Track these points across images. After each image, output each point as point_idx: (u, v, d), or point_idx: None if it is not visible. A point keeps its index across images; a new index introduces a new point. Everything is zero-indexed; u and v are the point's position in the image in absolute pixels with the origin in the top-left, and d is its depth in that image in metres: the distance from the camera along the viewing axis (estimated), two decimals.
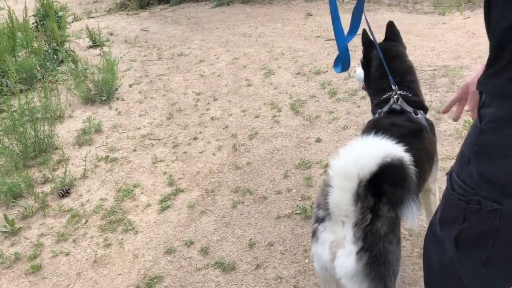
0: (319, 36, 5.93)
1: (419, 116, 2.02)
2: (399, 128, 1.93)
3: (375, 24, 5.91)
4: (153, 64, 6.05)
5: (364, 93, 4.12)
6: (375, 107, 2.22)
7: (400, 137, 1.63)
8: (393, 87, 2.09)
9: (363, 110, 3.82)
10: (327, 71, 4.77)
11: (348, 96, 4.14)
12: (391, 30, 2.30)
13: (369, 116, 3.74)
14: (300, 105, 4.14)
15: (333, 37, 1.99)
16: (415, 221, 1.55)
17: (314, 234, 1.67)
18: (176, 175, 3.44)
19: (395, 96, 2.04)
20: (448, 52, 4.58)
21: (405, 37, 2.38)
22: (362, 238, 1.54)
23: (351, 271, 1.55)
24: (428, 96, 3.80)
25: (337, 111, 3.93)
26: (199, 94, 4.82)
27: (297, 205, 2.86)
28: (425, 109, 2.14)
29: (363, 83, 2.42)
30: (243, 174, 3.31)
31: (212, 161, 3.56)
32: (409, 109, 2.03)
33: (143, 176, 3.50)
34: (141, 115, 4.53)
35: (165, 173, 3.50)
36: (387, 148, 1.48)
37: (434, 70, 4.26)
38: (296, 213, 2.80)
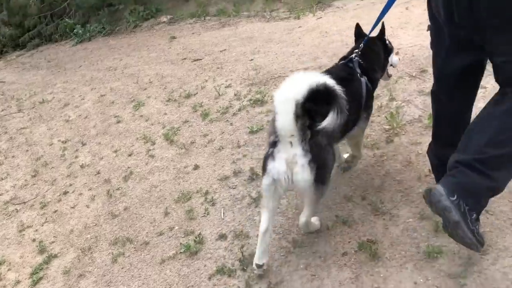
0: (185, 58, 5.84)
1: (363, 79, 2.48)
2: (336, 73, 2.36)
3: (238, 37, 6.03)
4: (13, 117, 5.53)
5: (235, 109, 4.11)
6: None
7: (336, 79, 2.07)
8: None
9: (236, 127, 3.78)
10: (197, 93, 4.69)
11: (220, 115, 4.08)
12: (381, 29, 2.77)
13: (242, 132, 3.73)
14: (174, 134, 3.99)
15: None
16: (331, 121, 1.91)
17: (270, 155, 2.10)
18: (47, 240, 3.10)
19: (355, 57, 2.52)
20: (307, 54, 4.73)
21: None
22: (309, 150, 2.02)
23: (308, 180, 2.03)
24: None
25: (211, 132, 3.85)
26: (65, 142, 4.45)
27: (181, 243, 2.69)
28: (369, 78, 2.55)
29: None
30: (121, 222, 3.07)
31: (86, 214, 3.26)
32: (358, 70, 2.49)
33: (9, 249, 3.11)
34: (2, 179, 4.07)
35: (34, 240, 3.14)
36: (314, 77, 1.98)
37: None
38: (180, 252, 2.63)
